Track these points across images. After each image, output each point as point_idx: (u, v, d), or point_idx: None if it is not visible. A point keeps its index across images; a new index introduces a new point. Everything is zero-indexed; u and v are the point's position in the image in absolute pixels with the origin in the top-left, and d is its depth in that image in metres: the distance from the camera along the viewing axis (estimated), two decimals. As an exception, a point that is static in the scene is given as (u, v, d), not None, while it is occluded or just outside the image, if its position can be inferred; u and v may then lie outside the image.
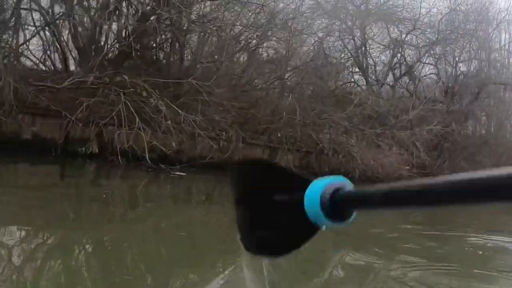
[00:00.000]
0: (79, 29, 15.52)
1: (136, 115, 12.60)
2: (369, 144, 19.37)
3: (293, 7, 19.08)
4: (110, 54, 15.64)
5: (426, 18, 22.75)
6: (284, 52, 19.02)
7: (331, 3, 21.14)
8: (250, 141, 16.33)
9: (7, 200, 7.42)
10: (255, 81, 19.20)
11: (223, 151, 15.09)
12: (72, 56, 15.92)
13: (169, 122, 12.72)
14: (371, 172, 18.59)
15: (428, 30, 22.76)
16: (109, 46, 15.85)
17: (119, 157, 12.41)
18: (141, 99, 13.10)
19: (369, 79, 22.80)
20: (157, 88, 13.73)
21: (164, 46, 16.41)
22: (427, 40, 23.29)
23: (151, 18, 15.29)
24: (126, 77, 12.90)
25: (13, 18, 14.09)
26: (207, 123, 13.59)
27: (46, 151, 13.24)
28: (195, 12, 15.85)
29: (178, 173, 12.83)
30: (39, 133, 13.50)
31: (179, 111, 12.91)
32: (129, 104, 12.68)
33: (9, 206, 6.90)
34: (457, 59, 24.50)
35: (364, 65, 22.75)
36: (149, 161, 12.49)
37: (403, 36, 22.90)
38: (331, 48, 21.63)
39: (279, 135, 16.38)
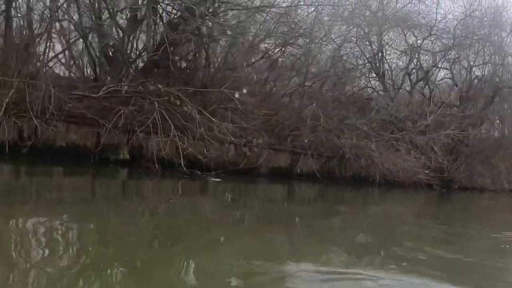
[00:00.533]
0: (109, 39, 16.03)
1: (171, 123, 13.09)
2: (389, 149, 19.79)
3: (313, 14, 19.48)
4: (139, 63, 16.14)
5: (442, 24, 23.18)
6: (304, 59, 19.46)
7: (348, 10, 21.53)
8: (276, 147, 16.83)
9: (42, 206, 7.94)
10: (274, 88, 19.66)
11: (251, 157, 15.60)
12: (100, 64, 16.40)
13: (202, 129, 13.19)
14: (391, 176, 19.05)
15: (444, 36, 23.19)
16: (137, 55, 16.36)
17: (156, 164, 12.90)
18: (174, 107, 13.57)
19: (386, 84, 23.21)
20: (187, 97, 14.22)
21: (190, 54, 16.86)
22: (443, 46, 23.71)
23: (179, 28, 15.78)
24: (160, 86, 13.39)
25: (48, 29, 14.62)
26: (238, 131, 14.08)
27: (81, 158, 13.74)
28: (220, 21, 16.25)
29: (213, 179, 13.32)
30: (74, 141, 13.99)
31: (213, 119, 13.42)
32: (164, 112, 13.16)
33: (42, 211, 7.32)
34: (471, 63, 24.90)
35: (381, 71, 23.16)
36: (184, 168, 12.98)
37: (419, 41, 23.34)
38: (349, 54, 22.07)
39: (306, 141, 16.83)
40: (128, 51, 16.23)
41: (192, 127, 13.39)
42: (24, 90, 12.38)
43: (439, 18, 23.22)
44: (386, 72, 23.46)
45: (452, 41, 23.49)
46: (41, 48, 14.86)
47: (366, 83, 23.87)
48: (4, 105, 11.92)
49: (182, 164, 12.99)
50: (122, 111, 13.29)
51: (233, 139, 13.87)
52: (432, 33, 22.97)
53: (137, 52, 16.50)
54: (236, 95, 13.98)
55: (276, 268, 5.43)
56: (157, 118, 13.10)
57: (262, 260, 5.78)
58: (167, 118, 13.17)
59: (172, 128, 13.03)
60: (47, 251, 5.24)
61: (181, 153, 13.03)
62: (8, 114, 12.24)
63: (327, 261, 6.17)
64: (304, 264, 5.77)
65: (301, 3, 18.94)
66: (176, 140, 13.03)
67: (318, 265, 5.74)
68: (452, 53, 24.17)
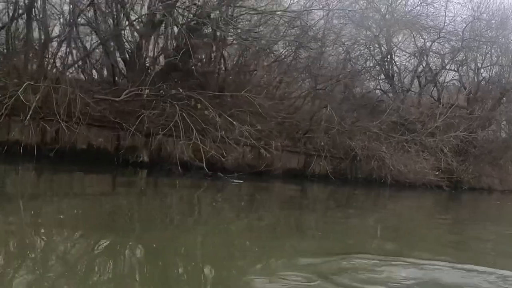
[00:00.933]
0: (126, 44, 16.46)
1: (192, 126, 13.52)
2: (399, 151, 20.19)
3: (325, 18, 19.88)
4: (156, 67, 16.54)
5: (450, 27, 23.57)
6: (316, 62, 19.88)
7: (358, 13, 21.89)
8: (290, 149, 17.28)
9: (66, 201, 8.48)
10: (288, 90, 20.08)
11: (269, 159, 16.04)
12: (119, 68, 16.80)
13: (223, 132, 13.63)
14: (402, 177, 19.47)
15: (453, 38, 23.57)
16: (154, 59, 16.77)
17: (179, 166, 13.32)
18: (194, 110, 14.00)
19: (395, 86, 23.59)
20: (205, 100, 14.64)
21: (206, 58, 17.27)
22: (451, 48, 24.10)
23: (196, 32, 16.17)
24: (181, 90, 13.82)
25: (68, 34, 15.05)
26: (258, 133, 14.51)
27: (101, 160, 14.18)
28: (238, 26, 16.67)
29: (235, 180, 13.77)
30: (95, 143, 14.43)
31: (234, 122, 13.84)
32: (185, 116, 13.59)
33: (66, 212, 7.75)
34: (479, 65, 25.30)
35: (390, 73, 23.55)
36: (207, 170, 13.40)
37: (428, 44, 23.74)
38: (359, 56, 22.46)
39: (322, 143, 17.26)
40: (145, 55, 16.64)
41: (213, 130, 13.81)
42: (50, 94, 12.83)
43: (448, 21, 23.63)
44: (395, 74, 23.85)
45: (460, 44, 23.87)
46: (61, 53, 15.34)
47: (375, 85, 24.27)
48: (32, 108, 12.34)
49: (205, 166, 13.42)
50: (144, 115, 13.73)
51: (253, 141, 14.28)
52: (441, 35, 23.37)
53: (154, 56, 16.88)
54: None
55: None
56: (178, 121, 13.52)
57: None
58: (188, 121, 13.60)
59: (194, 131, 13.45)
60: (71, 239, 5.76)
61: (203, 156, 13.46)
62: (34, 117, 12.67)
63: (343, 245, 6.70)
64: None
65: (313, 7, 19.35)
66: (198, 142, 13.45)
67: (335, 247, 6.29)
68: (460, 55, 24.58)
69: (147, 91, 14.07)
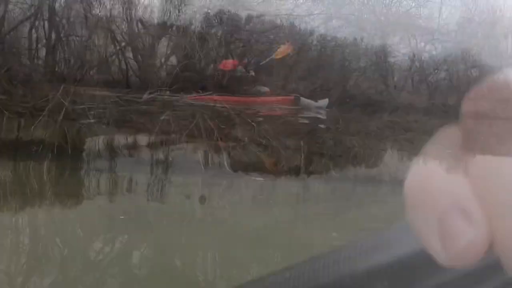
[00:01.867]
0: (139, 45, 17.71)
1: (213, 126, 14.88)
2: (397, 149, 21.78)
3: (325, 21, 21.46)
4: (168, 68, 17.85)
5: (444, 29, 25.24)
6: (316, 62, 21.43)
7: (354, 14, 23.45)
8: (296, 148, 18.70)
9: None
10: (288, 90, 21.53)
11: (276, 157, 17.44)
12: (132, 69, 18.03)
13: (241, 133, 15.02)
14: (402, 176, 21.04)
15: (445, 40, 25.27)
16: (166, 59, 18.06)
17: (202, 165, 14.63)
18: (213, 111, 15.38)
19: (389, 86, 25.19)
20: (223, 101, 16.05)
21: (217, 59, 18.65)
22: (443, 49, 25.80)
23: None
24: (200, 91, 15.18)
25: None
26: (273, 133, 15.93)
27: (121, 159, 15.41)
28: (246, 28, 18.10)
29: (257, 178, 15.11)
30: (117, 143, 15.65)
31: (252, 122, 15.25)
32: (205, 116, 14.95)
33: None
34: (469, 65, 27.02)
35: (384, 73, 25.14)
36: (227, 167, 14.74)
37: (422, 45, 25.40)
38: (356, 57, 24.04)
39: (330, 143, 18.72)
40: (158, 56, 17.92)
41: (232, 131, 15.19)
42: (79, 94, 14.05)
43: (441, 23, 25.31)
44: (389, 75, 25.43)
45: (452, 44, 25.57)
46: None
47: (370, 85, 25.82)
48: (64, 109, 13.55)
49: (226, 165, 14.75)
50: (165, 115, 15.04)
51: (271, 140, 15.67)
52: (434, 37, 25.06)
53: (166, 57, 18.17)
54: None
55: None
56: (200, 121, 14.87)
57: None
58: (209, 122, 14.95)
59: (214, 131, 14.80)
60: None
61: (224, 155, 14.80)
62: (65, 118, 13.87)
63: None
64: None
65: (314, 11, 20.92)
66: (219, 142, 14.81)
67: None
68: (452, 55, 26.27)
69: (167, 92, 15.36)
